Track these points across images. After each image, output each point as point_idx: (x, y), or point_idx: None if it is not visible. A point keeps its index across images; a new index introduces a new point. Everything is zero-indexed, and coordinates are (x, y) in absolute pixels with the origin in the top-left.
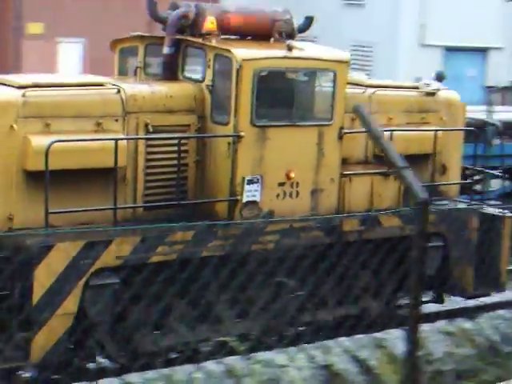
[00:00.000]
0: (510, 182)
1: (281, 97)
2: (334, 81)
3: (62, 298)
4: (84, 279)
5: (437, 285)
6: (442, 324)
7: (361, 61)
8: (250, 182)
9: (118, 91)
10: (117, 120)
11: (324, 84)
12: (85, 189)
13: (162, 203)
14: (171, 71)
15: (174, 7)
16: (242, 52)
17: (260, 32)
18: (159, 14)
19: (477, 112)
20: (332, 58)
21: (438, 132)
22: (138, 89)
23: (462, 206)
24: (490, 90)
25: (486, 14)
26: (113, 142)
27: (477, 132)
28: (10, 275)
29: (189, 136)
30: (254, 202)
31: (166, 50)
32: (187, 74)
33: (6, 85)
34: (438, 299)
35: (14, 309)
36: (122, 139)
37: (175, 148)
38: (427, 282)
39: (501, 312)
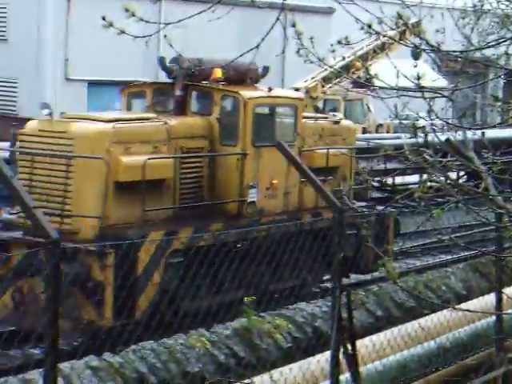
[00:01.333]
0: None
1: (266, 124)
2: (296, 112)
3: (153, 271)
4: (164, 258)
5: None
6: (88, 359)
7: (5, 96)
8: (252, 187)
9: (165, 123)
10: (165, 144)
11: (289, 114)
12: (149, 194)
13: (196, 204)
14: (182, 108)
15: (176, 61)
16: (246, 93)
17: (238, 78)
18: (167, 66)
19: None
20: (295, 96)
21: (342, 150)
22: (174, 121)
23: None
24: None
25: (127, 50)
26: (166, 159)
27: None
28: (121, 258)
29: (218, 154)
30: (253, 202)
31: (178, 92)
32: (193, 110)
33: (95, 120)
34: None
35: (125, 279)
36: (180, 157)
37: (197, 164)
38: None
39: (147, 344)
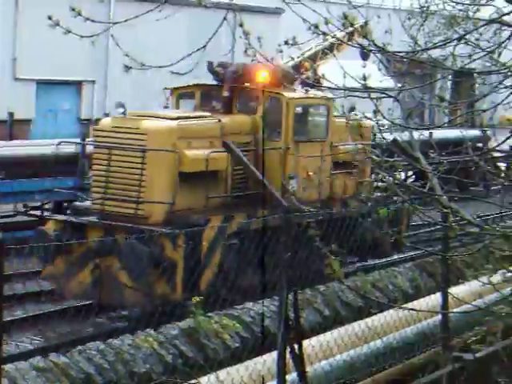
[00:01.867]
0: None
1: (303, 121)
2: (328, 111)
3: (214, 251)
4: (223, 240)
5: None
6: (33, 360)
7: None
8: (291, 178)
9: (218, 121)
10: (218, 139)
11: (322, 113)
12: (206, 184)
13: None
14: (229, 108)
15: (222, 65)
16: (287, 94)
17: (277, 81)
18: (214, 69)
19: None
20: (327, 97)
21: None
22: (225, 119)
23: None
24: (84, 123)
25: (76, 49)
26: (222, 153)
27: None
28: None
29: (268, 148)
30: (293, 191)
31: (225, 93)
32: (239, 109)
33: (162, 118)
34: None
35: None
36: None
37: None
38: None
39: (94, 344)
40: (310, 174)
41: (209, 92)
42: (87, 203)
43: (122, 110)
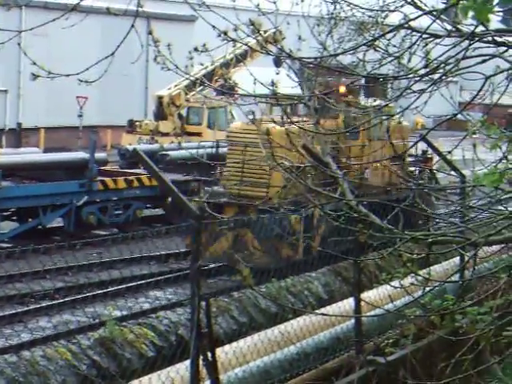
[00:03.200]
0: (19, 223)
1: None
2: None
3: (320, 223)
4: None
5: None
6: None
7: None
8: (366, 168)
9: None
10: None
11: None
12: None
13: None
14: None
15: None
16: (362, 102)
17: (351, 92)
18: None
19: None
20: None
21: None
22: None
23: None
24: None
25: None
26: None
27: None
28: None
29: (346, 146)
30: (367, 178)
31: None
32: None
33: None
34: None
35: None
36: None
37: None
38: None
39: (5, 357)
40: (377, 164)
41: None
42: (220, 189)
43: (251, 117)
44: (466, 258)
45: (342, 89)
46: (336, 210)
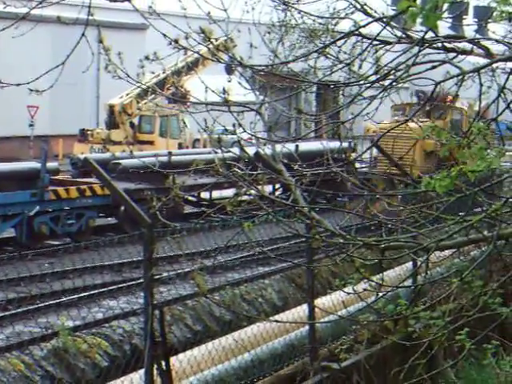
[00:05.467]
0: None
1: None
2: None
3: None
4: None
5: None
6: None
7: None
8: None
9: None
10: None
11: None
12: (433, 156)
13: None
14: (427, 116)
15: (422, 92)
16: (462, 107)
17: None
18: (419, 94)
19: None
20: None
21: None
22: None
23: None
24: None
25: None
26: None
27: None
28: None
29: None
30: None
31: (427, 107)
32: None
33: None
34: None
35: None
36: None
37: None
38: None
39: None
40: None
41: (412, 107)
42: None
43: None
44: (419, 263)
45: (450, 98)
46: (289, 216)
